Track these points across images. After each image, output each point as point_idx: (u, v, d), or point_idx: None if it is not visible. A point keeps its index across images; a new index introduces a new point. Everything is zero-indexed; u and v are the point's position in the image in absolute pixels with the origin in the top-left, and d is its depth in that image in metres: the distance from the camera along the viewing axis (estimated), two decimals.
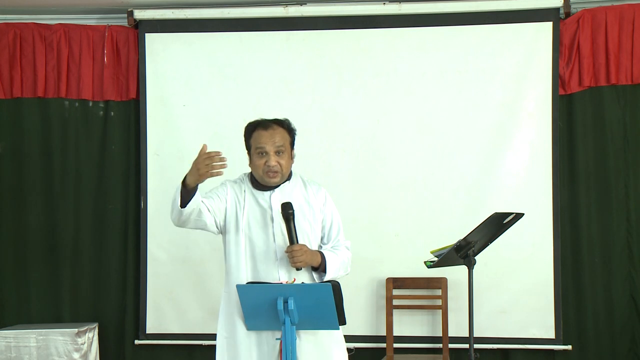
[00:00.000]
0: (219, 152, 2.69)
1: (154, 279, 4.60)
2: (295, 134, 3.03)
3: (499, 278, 4.37)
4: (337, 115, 4.54)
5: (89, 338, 4.49)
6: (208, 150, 2.69)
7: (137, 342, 4.63)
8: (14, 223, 4.75)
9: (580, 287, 4.44)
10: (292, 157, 3.01)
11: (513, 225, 3.27)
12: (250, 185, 3.02)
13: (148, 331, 4.61)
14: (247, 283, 2.88)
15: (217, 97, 4.62)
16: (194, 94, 4.63)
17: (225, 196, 2.98)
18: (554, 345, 4.36)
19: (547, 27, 4.42)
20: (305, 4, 4.60)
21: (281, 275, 2.88)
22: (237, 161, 4.55)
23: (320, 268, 2.91)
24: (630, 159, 4.44)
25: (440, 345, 4.33)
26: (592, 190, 4.47)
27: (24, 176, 4.75)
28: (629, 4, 4.43)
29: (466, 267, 3.19)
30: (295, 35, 4.60)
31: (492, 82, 4.46)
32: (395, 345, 4.34)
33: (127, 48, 4.72)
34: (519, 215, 3.21)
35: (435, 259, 3.23)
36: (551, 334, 4.35)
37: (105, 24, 4.75)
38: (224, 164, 2.71)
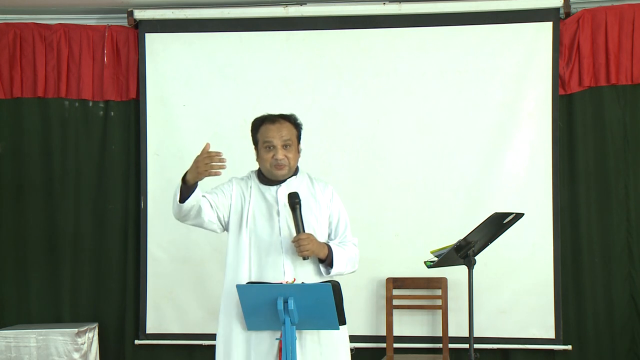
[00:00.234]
0: (219, 152, 2.71)
1: (154, 279, 4.60)
2: (301, 128, 3.05)
3: (499, 278, 4.37)
4: (337, 115, 4.54)
5: (89, 338, 4.49)
6: (210, 150, 2.71)
7: (137, 342, 4.63)
8: (14, 223, 4.75)
9: (580, 287, 4.44)
10: (298, 151, 3.03)
11: (513, 225, 3.27)
12: (257, 180, 3.04)
13: (148, 331, 4.61)
14: (247, 283, 2.88)
15: (217, 97, 4.62)
16: (194, 94, 4.64)
17: (230, 192, 3.00)
18: (554, 345, 4.36)
19: (547, 27, 4.42)
20: (305, 4, 4.60)
21: (286, 266, 2.87)
22: (237, 161, 4.56)
23: (326, 261, 2.91)
24: (630, 159, 4.44)
25: (440, 345, 4.33)
26: (592, 190, 4.47)
27: (24, 176, 4.75)
28: (629, 4, 4.43)
29: (466, 267, 3.19)
30: (295, 35, 4.60)
31: (492, 82, 4.46)
32: (395, 345, 4.35)
33: (127, 48, 4.72)
34: (519, 215, 3.20)
35: (435, 259, 3.23)
36: (551, 334, 4.35)
37: (105, 24, 4.75)
38: (222, 165, 2.73)
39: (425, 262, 3.26)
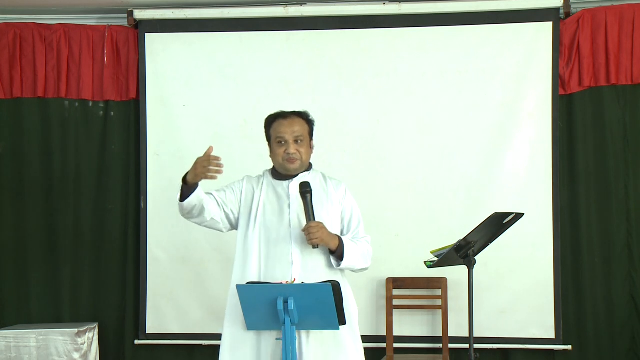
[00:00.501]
0: (218, 157, 2.75)
1: (154, 279, 4.60)
2: (314, 125, 3.09)
3: (499, 278, 4.37)
4: (337, 115, 4.54)
5: (89, 338, 4.49)
6: (213, 154, 2.76)
7: (137, 342, 4.63)
8: (14, 223, 4.75)
9: (580, 287, 4.44)
10: (311, 147, 3.07)
11: (513, 225, 3.27)
12: (270, 176, 3.08)
13: (148, 331, 4.61)
14: (248, 283, 2.87)
15: (217, 97, 4.62)
16: (194, 94, 4.64)
17: (240, 189, 3.05)
18: (554, 345, 4.36)
19: (547, 27, 4.42)
20: (305, 4, 4.60)
21: (295, 256, 2.88)
22: (237, 161, 4.61)
23: (337, 253, 2.91)
24: (630, 159, 4.44)
25: (440, 345, 4.33)
26: (592, 190, 4.47)
27: (24, 176, 4.75)
28: (629, 4, 4.43)
29: (466, 267, 3.19)
30: (295, 35, 4.60)
31: (492, 82, 4.46)
32: (395, 345, 4.34)
33: (127, 48, 4.72)
34: (519, 215, 3.21)
35: (435, 259, 3.23)
36: (551, 334, 4.35)
37: (105, 24, 4.75)
38: (219, 170, 2.77)
39: (425, 262, 3.26)
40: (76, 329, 4.39)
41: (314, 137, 3.10)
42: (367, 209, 4.40)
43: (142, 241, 4.62)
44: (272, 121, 3.06)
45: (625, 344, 4.41)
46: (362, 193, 4.43)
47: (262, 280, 2.89)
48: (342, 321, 2.71)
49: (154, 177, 4.63)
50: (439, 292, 4.35)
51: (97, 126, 4.78)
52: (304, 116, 3.07)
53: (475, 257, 3.19)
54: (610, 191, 4.44)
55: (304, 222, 2.87)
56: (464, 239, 3.14)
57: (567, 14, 4.46)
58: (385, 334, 4.35)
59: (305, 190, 2.87)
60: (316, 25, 4.57)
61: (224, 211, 2.99)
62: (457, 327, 4.32)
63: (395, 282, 4.39)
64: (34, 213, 4.74)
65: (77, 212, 4.74)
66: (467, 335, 3.25)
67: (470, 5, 4.47)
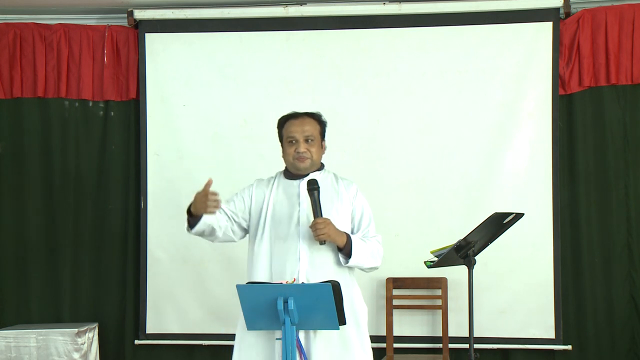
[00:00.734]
0: (215, 193, 2.79)
1: (154, 279, 4.60)
2: (326, 126, 3.12)
3: (499, 278, 4.37)
4: (337, 115, 4.52)
5: (89, 338, 4.49)
6: (210, 191, 2.79)
7: (137, 342, 4.63)
8: (14, 223, 4.75)
9: (580, 287, 4.44)
10: (322, 148, 3.10)
11: (513, 225, 3.27)
12: (282, 176, 3.11)
13: (148, 331, 4.61)
14: (247, 283, 2.88)
15: (217, 97, 4.62)
16: (194, 94, 4.64)
17: (250, 194, 3.08)
18: (554, 345, 4.36)
19: (547, 27, 4.42)
20: (305, 4, 4.60)
21: (302, 252, 2.91)
22: (237, 161, 4.61)
23: (345, 250, 2.93)
24: (630, 159, 4.45)
25: (440, 345, 4.33)
26: (592, 190, 4.47)
27: (24, 176, 4.75)
28: (629, 4, 4.43)
29: (466, 267, 3.19)
30: (295, 35, 4.60)
31: (492, 82, 4.46)
32: (395, 345, 4.35)
33: (127, 48, 4.72)
34: (519, 215, 3.21)
35: (435, 259, 3.23)
36: (551, 334, 4.35)
37: (105, 24, 4.75)
38: (217, 205, 2.82)
39: (425, 262, 3.26)
40: (76, 329, 4.39)
41: (325, 138, 3.13)
42: None
43: (142, 241, 4.62)
44: (284, 122, 3.10)
45: (625, 344, 4.41)
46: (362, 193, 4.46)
47: (272, 278, 2.91)
48: (342, 321, 2.71)
49: (154, 177, 4.64)
50: (439, 292, 4.35)
51: (97, 126, 4.78)
52: (315, 117, 3.11)
53: (475, 257, 3.19)
54: (610, 191, 4.44)
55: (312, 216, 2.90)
56: (464, 239, 3.14)
57: (567, 14, 4.46)
58: (385, 334, 4.35)
59: (313, 187, 2.90)
60: (316, 25, 4.57)
61: (235, 221, 3.05)
62: (457, 327, 4.32)
63: (395, 282, 4.39)
64: (34, 213, 4.74)
65: (77, 212, 4.74)
66: (467, 335, 3.25)
67: (470, 5, 4.47)
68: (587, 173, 4.47)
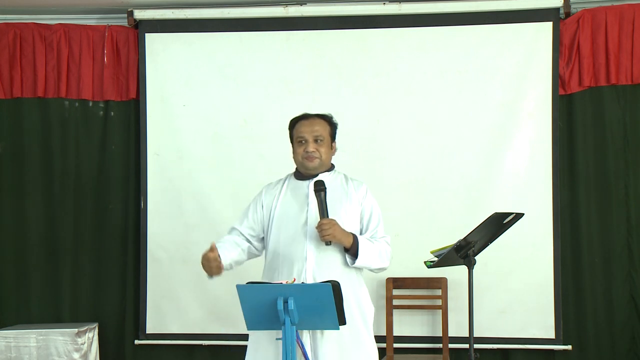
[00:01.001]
0: (216, 257, 2.91)
1: (154, 279, 4.60)
2: (336, 127, 3.16)
3: (499, 278, 4.37)
4: (337, 115, 4.46)
5: (89, 338, 4.49)
6: (209, 255, 2.91)
7: (137, 342, 4.63)
8: (14, 223, 4.75)
9: (580, 287, 4.44)
10: (332, 149, 3.12)
11: (513, 225, 3.27)
12: (292, 177, 3.14)
13: (148, 331, 4.61)
14: (248, 283, 2.88)
15: (217, 97, 4.62)
16: (194, 94, 4.64)
17: (261, 203, 3.12)
18: (554, 345, 4.36)
19: (547, 27, 4.42)
20: (305, 4, 4.60)
21: (309, 252, 2.92)
22: (237, 161, 4.61)
23: (351, 251, 2.94)
24: (630, 159, 4.45)
25: (440, 345, 4.33)
26: (592, 190, 4.47)
27: (24, 176, 4.75)
28: (629, 4, 4.43)
29: (466, 267, 3.19)
30: (295, 35, 4.60)
31: (492, 82, 4.46)
32: (395, 345, 4.35)
33: (127, 48, 4.72)
34: (519, 215, 3.20)
35: (435, 259, 3.23)
36: (551, 334, 4.35)
37: (105, 24, 4.75)
38: (219, 268, 2.94)
39: (425, 262, 3.26)
40: (76, 329, 4.39)
41: (336, 139, 3.15)
42: None
43: (142, 241, 4.62)
44: (294, 123, 3.13)
45: (625, 344, 4.41)
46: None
47: (281, 278, 2.93)
48: (342, 321, 2.71)
49: (154, 177, 4.64)
50: (439, 292, 4.35)
51: (97, 126, 4.78)
52: (326, 118, 3.14)
53: (475, 257, 3.19)
54: (610, 191, 4.44)
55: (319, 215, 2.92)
56: (464, 239, 3.14)
57: (567, 14, 4.46)
58: (385, 334, 4.35)
59: (319, 188, 2.92)
60: (316, 25, 4.57)
61: (253, 236, 3.12)
62: (457, 327, 4.32)
63: (395, 282, 4.39)
64: (34, 213, 4.74)
65: (77, 212, 4.74)
66: (467, 335, 3.25)
67: (470, 5, 4.47)
68: (587, 173, 4.47)
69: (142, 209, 4.63)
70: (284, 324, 2.64)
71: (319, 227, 2.86)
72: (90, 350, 4.48)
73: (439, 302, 4.34)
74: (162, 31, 4.66)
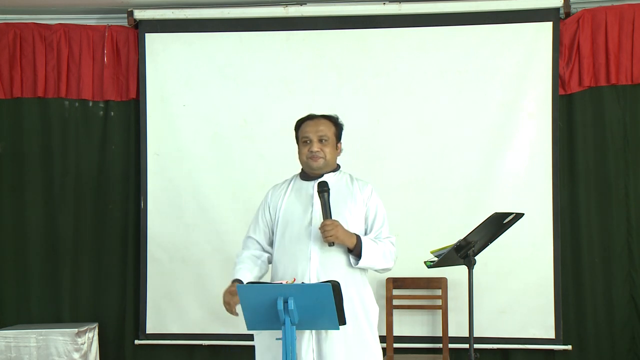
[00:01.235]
0: (232, 311, 2.93)
1: (154, 279, 4.60)
2: (342, 128, 3.17)
3: (499, 278, 4.37)
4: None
5: (89, 338, 4.49)
6: (231, 293, 2.91)
7: (137, 342, 4.63)
8: (14, 223, 4.75)
9: (580, 287, 4.44)
10: (338, 149, 3.14)
11: (513, 225, 3.27)
12: (298, 178, 3.15)
13: (148, 331, 4.61)
14: (248, 283, 2.88)
15: (217, 97, 4.62)
16: (194, 94, 4.64)
17: (268, 206, 3.13)
18: (554, 345, 4.36)
19: (547, 27, 4.42)
20: (305, 4, 4.60)
21: (313, 253, 2.93)
22: (237, 161, 4.61)
23: (355, 251, 2.94)
24: (630, 159, 4.45)
25: (440, 345, 4.33)
26: (592, 190, 4.47)
27: (24, 176, 4.75)
28: (629, 4, 4.43)
29: (466, 267, 3.19)
30: (295, 35, 4.60)
31: (492, 82, 4.46)
32: (395, 345, 4.34)
33: (127, 48, 4.72)
34: (519, 215, 3.20)
35: (435, 259, 3.23)
36: (551, 334, 4.35)
37: (105, 24, 4.75)
38: (235, 315, 2.95)
39: (425, 262, 3.26)
40: (76, 329, 4.39)
41: (341, 140, 3.16)
42: None
43: (142, 241, 4.62)
44: (300, 123, 3.14)
45: (625, 344, 4.41)
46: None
47: (286, 278, 2.93)
48: (342, 321, 2.71)
49: (154, 177, 4.64)
50: (439, 292, 4.35)
51: (97, 126, 4.78)
52: (331, 119, 3.15)
53: (475, 257, 3.19)
54: (610, 191, 4.44)
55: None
56: (464, 239, 3.14)
57: (567, 14, 4.46)
58: (385, 334, 4.34)
59: (322, 189, 2.93)
60: (316, 25, 4.57)
61: (268, 244, 3.12)
62: (457, 327, 4.32)
63: (395, 282, 4.39)
64: (34, 213, 4.74)
65: (77, 212, 4.74)
66: (467, 335, 3.25)
67: (470, 5, 4.47)
68: (587, 173, 4.47)
69: (142, 209, 4.63)
70: (284, 324, 2.64)
71: (322, 228, 2.87)
72: (90, 350, 4.48)
73: (439, 302, 4.34)
74: (162, 31, 4.66)
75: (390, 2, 4.53)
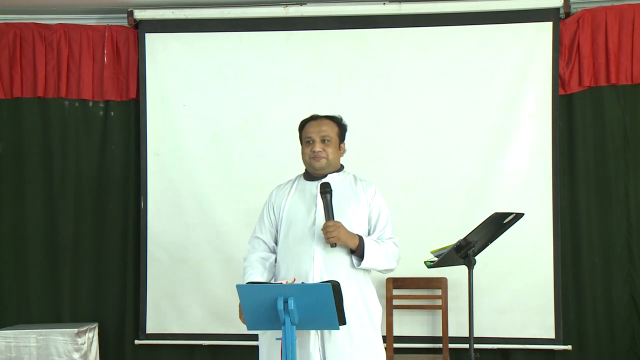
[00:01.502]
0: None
1: (154, 279, 4.60)
2: (345, 129, 3.18)
3: (499, 278, 4.37)
4: None
5: (89, 338, 4.49)
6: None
7: (137, 342, 4.63)
8: (14, 223, 4.74)
9: (580, 287, 4.44)
10: (341, 150, 3.15)
11: (513, 225, 3.27)
12: (301, 178, 3.16)
13: (148, 331, 4.61)
14: (248, 283, 2.88)
15: (217, 97, 4.62)
16: (194, 94, 4.64)
17: (272, 205, 3.13)
18: (554, 345, 4.36)
19: (547, 27, 4.42)
20: (305, 4, 4.60)
21: (316, 253, 2.93)
22: (237, 161, 4.61)
23: (357, 252, 2.95)
24: (630, 159, 4.45)
25: (440, 345, 4.33)
26: (592, 190, 4.47)
27: (24, 176, 4.75)
28: (629, 4, 4.43)
29: (466, 267, 3.19)
30: (295, 35, 4.60)
31: (492, 82, 4.46)
32: (395, 345, 4.34)
33: (127, 48, 4.72)
34: (519, 215, 3.21)
35: (435, 259, 3.24)
36: (551, 334, 4.35)
37: (105, 24, 4.75)
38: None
39: (425, 262, 3.26)
40: (76, 329, 4.39)
41: (344, 141, 3.17)
42: None
43: (142, 241, 4.62)
44: (304, 124, 3.15)
45: (625, 344, 4.41)
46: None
47: (288, 278, 2.93)
48: (342, 321, 2.72)
49: (154, 177, 4.64)
50: (439, 292, 4.35)
51: (97, 126, 4.78)
52: (334, 119, 3.15)
53: (475, 257, 3.19)
54: (610, 191, 4.44)
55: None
56: (464, 239, 3.14)
57: (567, 14, 4.46)
58: (385, 334, 4.34)
59: (325, 190, 2.93)
60: (316, 25, 4.57)
61: (277, 239, 3.12)
62: (457, 327, 4.32)
63: (395, 282, 4.39)
64: (34, 213, 4.74)
65: (77, 212, 4.74)
66: (467, 335, 3.25)
67: (470, 5, 4.47)
68: (587, 173, 4.47)
69: (142, 209, 4.63)
70: (284, 324, 2.64)
71: (324, 229, 2.88)
72: (90, 350, 4.48)
73: (439, 302, 4.34)
74: (162, 31, 4.66)
75: (390, 2, 4.53)
